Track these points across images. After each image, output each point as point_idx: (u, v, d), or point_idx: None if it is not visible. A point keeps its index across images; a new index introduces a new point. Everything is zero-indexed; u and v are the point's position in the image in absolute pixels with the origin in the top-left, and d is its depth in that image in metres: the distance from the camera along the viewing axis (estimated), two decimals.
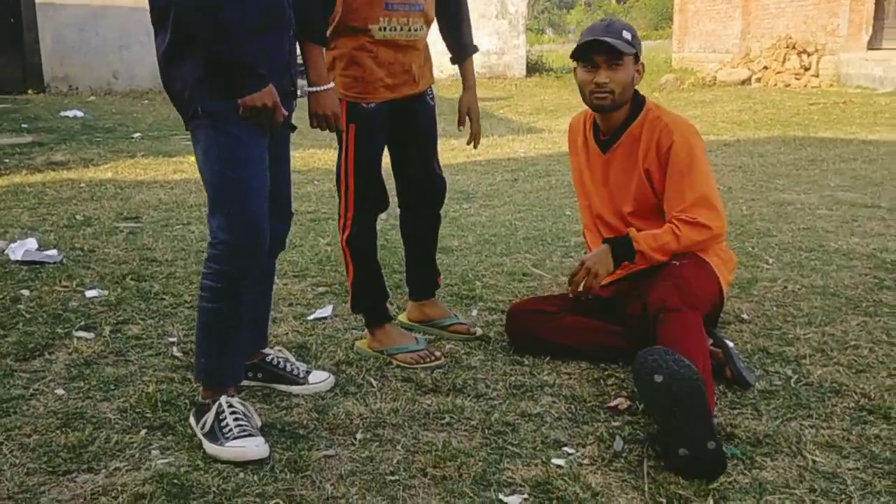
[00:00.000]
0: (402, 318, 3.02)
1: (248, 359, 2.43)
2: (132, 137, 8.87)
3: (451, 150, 7.94)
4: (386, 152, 2.77)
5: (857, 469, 2.03)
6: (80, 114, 10.79)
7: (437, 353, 2.74)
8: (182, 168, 6.76)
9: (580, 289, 2.69)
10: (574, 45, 2.77)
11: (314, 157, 7.47)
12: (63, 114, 10.74)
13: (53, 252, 3.91)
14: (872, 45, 13.46)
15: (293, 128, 2.29)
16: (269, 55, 2.15)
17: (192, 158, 2.24)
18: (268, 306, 2.57)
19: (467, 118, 2.92)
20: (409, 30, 2.63)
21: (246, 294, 2.19)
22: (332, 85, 2.46)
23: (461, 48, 2.89)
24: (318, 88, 2.40)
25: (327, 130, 2.49)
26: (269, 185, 2.19)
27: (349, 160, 2.67)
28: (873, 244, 4.14)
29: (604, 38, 2.67)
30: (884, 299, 3.28)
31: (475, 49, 2.93)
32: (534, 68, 19.36)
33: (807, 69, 13.76)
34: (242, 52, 2.04)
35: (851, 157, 7.13)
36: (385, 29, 2.58)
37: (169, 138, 8.80)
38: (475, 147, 3.01)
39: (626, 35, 2.72)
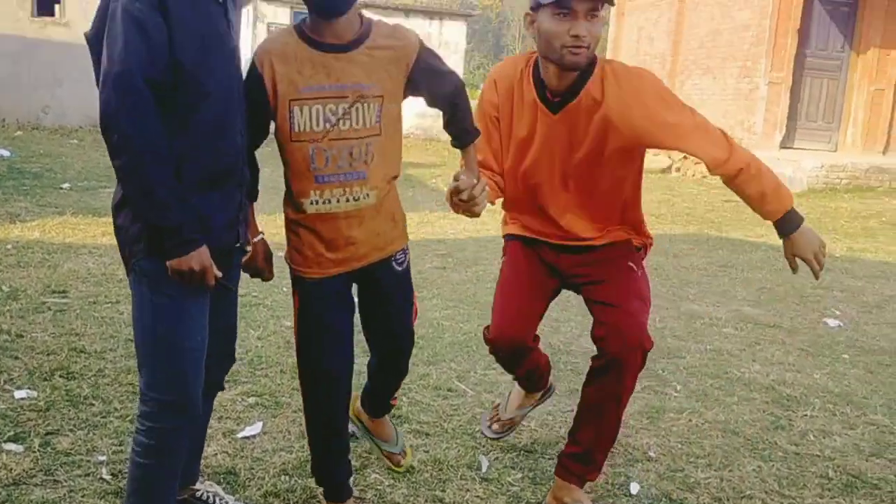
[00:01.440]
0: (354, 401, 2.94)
1: (178, 494, 2.50)
2: (61, 188, 8.77)
3: None
4: None
5: None
6: (6, 153, 10.58)
7: None
8: (111, 231, 6.71)
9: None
10: None
11: None
12: None
13: None
14: (785, 144, 14.27)
15: (229, 288, 2.31)
16: (209, 214, 2.14)
17: None
18: (201, 442, 2.64)
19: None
20: (350, 199, 2.36)
21: (179, 449, 2.24)
22: (257, 238, 2.46)
23: (455, 139, 2.52)
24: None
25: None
26: (205, 341, 2.21)
27: (294, 335, 2.52)
28: (773, 374, 4.45)
29: None
30: (778, 441, 3.55)
31: (477, 134, 2.54)
32: None
33: None
34: (168, 214, 2.00)
35: (759, 264, 7.58)
36: (317, 202, 2.36)
37: (98, 191, 8.73)
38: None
39: None
